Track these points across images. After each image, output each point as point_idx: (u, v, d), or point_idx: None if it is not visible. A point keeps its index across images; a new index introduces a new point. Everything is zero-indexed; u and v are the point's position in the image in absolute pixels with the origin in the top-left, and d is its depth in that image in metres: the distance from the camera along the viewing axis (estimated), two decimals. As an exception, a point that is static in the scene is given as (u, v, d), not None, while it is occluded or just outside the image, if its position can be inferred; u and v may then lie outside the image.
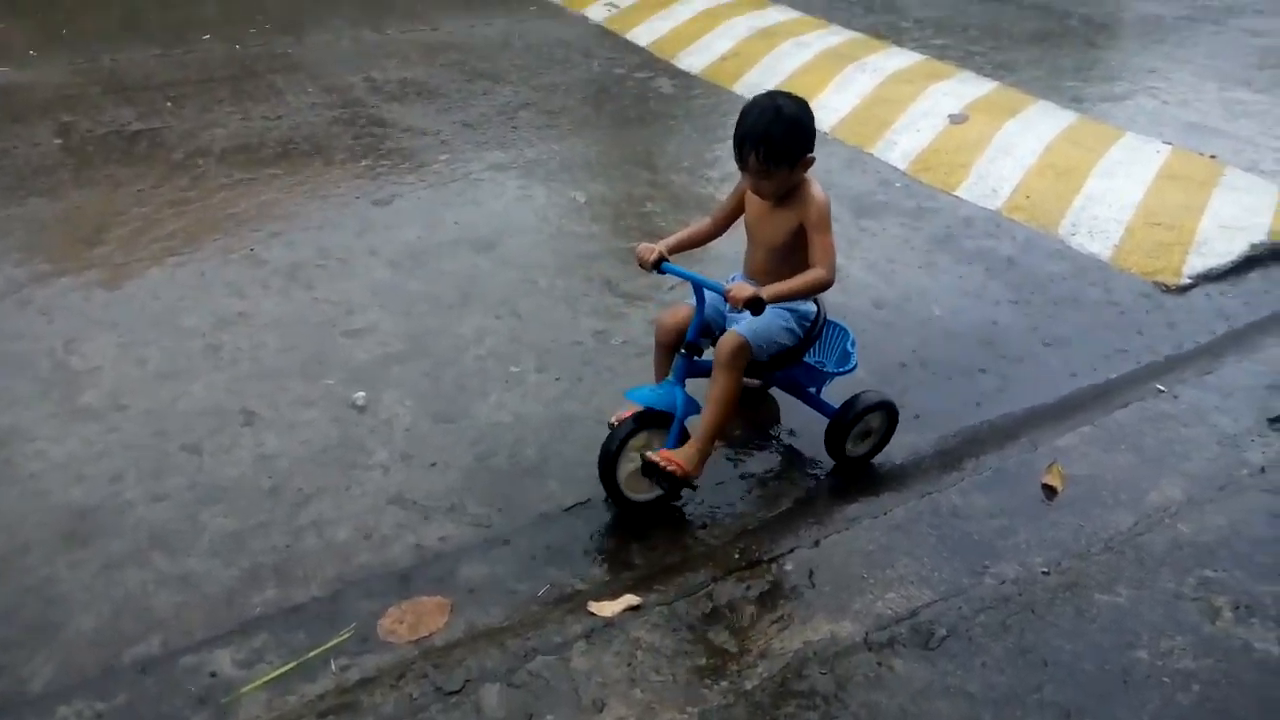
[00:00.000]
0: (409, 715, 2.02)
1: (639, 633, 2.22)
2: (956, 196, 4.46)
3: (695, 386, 2.57)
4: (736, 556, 2.46)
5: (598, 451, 2.53)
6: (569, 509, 2.61)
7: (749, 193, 2.63)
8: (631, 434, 2.51)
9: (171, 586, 2.32)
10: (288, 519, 2.53)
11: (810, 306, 2.66)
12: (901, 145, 4.92)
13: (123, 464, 2.68)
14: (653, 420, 2.54)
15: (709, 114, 5.31)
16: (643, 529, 2.56)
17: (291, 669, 2.13)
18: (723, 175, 4.57)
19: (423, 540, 2.49)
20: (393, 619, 2.26)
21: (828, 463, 2.80)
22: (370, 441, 2.81)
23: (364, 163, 4.56)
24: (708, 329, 2.62)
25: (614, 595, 2.32)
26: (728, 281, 2.68)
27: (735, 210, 2.71)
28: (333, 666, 2.14)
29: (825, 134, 4.99)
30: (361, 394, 2.99)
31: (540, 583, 2.38)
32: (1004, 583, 2.39)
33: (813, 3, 7.21)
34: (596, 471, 2.53)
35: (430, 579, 2.37)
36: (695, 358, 2.57)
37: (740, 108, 2.51)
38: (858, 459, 2.80)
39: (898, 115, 5.20)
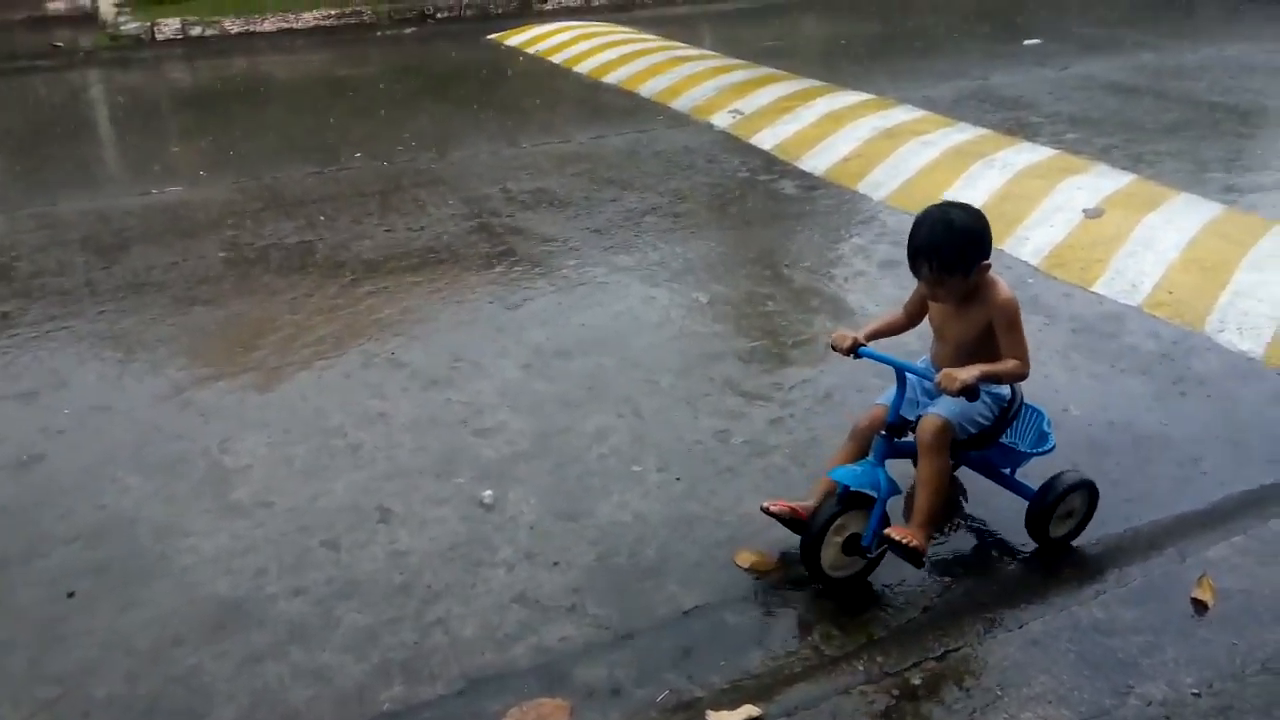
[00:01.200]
0: (526, 820, 2.02)
1: (758, 744, 2.17)
2: (1094, 292, 4.33)
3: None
4: (861, 669, 2.38)
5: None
6: (688, 612, 2.59)
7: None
8: (835, 516, 2.55)
9: (306, 680, 2.41)
10: (417, 615, 2.60)
11: (1005, 390, 2.71)
12: (1034, 241, 4.83)
13: (267, 559, 2.82)
14: (855, 502, 2.57)
15: (831, 214, 5.34)
16: (763, 635, 2.51)
17: (415, 767, 2.17)
18: (846, 274, 4.58)
19: (544, 640, 2.51)
20: (514, 719, 2.28)
21: (957, 569, 2.71)
22: (496, 539, 2.88)
23: (498, 269, 4.78)
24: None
25: (733, 705, 2.27)
26: (921, 364, 2.74)
27: (922, 305, 2.81)
28: (454, 766, 2.17)
29: (952, 231, 4.94)
30: (489, 492, 3.08)
31: (659, 688, 2.36)
32: (1150, 704, 2.24)
33: (938, 102, 7.23)
34: (799, 554, 2.61)
35: (551, 679, 2.39)
36: (896, 439, 2.62)
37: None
38: (1059, 540, 2.76)
39: (1029, 210, 5.11)
